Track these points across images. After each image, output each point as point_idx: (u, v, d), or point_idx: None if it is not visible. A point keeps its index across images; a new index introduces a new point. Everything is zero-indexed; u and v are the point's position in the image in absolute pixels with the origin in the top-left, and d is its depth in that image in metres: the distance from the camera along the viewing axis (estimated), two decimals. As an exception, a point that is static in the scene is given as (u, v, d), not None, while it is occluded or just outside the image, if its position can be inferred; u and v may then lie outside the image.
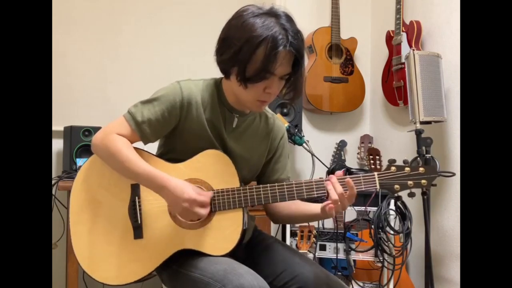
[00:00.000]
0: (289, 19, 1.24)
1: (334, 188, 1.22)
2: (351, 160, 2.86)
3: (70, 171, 2.15)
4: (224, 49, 1.26)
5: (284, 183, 1.30)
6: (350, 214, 2.23)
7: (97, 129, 2.20)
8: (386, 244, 2.10)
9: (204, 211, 1.26)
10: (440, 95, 2.15)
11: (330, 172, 2.48)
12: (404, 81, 2.43)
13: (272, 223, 2.36)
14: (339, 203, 1.22)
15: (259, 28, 1.19)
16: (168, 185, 1.25)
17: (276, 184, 1.31)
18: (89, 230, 1.34)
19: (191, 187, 1.26)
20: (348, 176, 1.26)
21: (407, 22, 2.51)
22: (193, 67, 2.59)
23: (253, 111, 1.36)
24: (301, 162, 2.85)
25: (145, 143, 1.36)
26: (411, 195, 1.29)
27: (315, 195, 1.27)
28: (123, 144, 1.29)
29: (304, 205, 1.40)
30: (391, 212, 2.10)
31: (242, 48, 1.20)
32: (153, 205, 1.32)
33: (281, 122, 1.52)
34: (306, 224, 2.05)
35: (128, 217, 1.33)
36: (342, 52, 2.80)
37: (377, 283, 2.23)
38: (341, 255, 2.20)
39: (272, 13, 1.23)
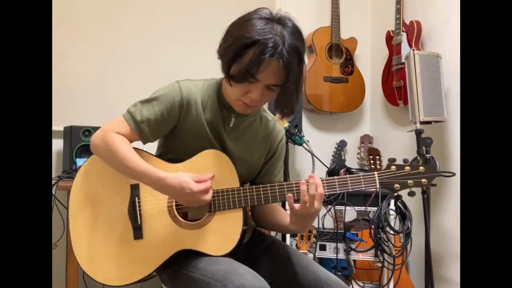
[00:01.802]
0: (294, 32, 1.22)
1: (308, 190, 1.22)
2: (351, 160, 2.86)
3: (70, 171, 2.15)
4: (222, 42, 1.26)
5: (284, 182, 1.30)
6: (350, 214, 2.23)
7: (97, 129, 2.16)
8: (386, 244, 2.10)
9: (209, 196, 1.26)
10: (440, 95, 2.15)
11: (330, 172, 2.48)
12: (404, 81, 2.43)
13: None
14: (307, 204, 1.22)
15: (255, 30, 1.18)
16: (167, 180, 1.24)
17: (276, 184, 1.31)
18: (89, 230, 1.34)
19: (189, 178, 1.25)
20: (336, 177, 1.26)
21: (407, 22, 2.51)
22: (193, 67, 2.58)
23: (238, 111, 1.35)
24: (301, 162, 2.86)
25: (144, 143, 1.36)
26: (411, 194, 1.29)
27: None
28: (121, 143, 1.29)
29: (285, 217, 1.40)
30: (391, 212, 2.10)
31: (232, 44, 1.20)
32: (152, 205, 1.32)
33: (281, 126, 1.51)
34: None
35: (128, 218, 1.33)
36: (342, 52, 2.80)
37: (377, 283, 2.23)
38: (341, 255, 2.20)
39: (279, 21, 1.21)
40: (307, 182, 1.24)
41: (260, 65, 1.17)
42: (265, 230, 1.54)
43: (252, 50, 1.17)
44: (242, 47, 1.18)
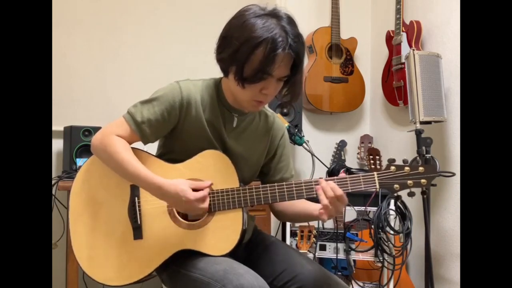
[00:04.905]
0: (291, 21, 1.23)
1: (324, 192, 1.21)
2: (351, 160, 2.86)
3: (70, 171, 2.15)
4: (223, 47, 1.26)
5: (284, 183, 1.30)
6: (350, 214, 2.23)
7: (97, 129, 2.20)
8: (386, 244, 2.10)
9: (205, 204, 1.26)
10: (440, 95, 2.15)
11: (330, 172, 2.48)
12: (404, 81, 2.43)
13: (271, 223, 2.37)
14: (331, 207, 1.20)
15: (260, 29, 1.19)
16: (164, 190, 1.25)
17: (275, 184, 1.30)
18: (89, 230, 1.34)
19: (186, 186, 1.25)
20: (335, 177, 1.25)
21: (407, 22, 2.51)
22: (193, 67, 2.58)
23: (250, 111, 1.36)
24: (301, 162, 2.86)
25: (145, 143, 1.36)
26: (411, 194, 1.29)
27: (315, 195, 1.26)
28: (121, 146, 1.29)
29: (308, 205, 1.39)
30: (391, 212, 2.10)
31: (241, 47, 1.20)
32: (152, 205, 1.32)
33: (281, 121, 1.52)
34: (306, 224, 2.05)
35: (127, 218, 1.33)
36: (342, 52, 2.80)
37: (377, 283, 2.23)
38: (341, 255, 2.20)
39: (273, 15, 1.22)
40: (316, 184, 1.24)
41: (275, 61, 1.19)
42: (266, 230, 1.54)
43: (262, 48, 1.18)
44: (252, 48, 1.18)
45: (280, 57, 1.19)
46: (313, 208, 1.35)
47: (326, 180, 1.23)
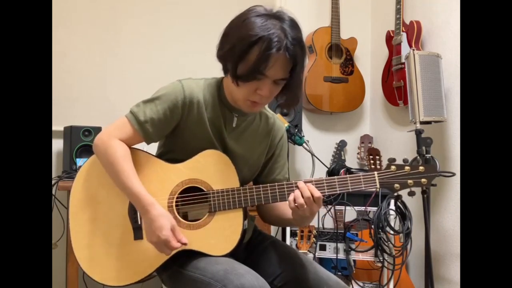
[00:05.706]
0: (293, 24, 1.22)
1: (302, 193, 1.23)
2: (351, 160, 2.86)
3: (70, 171, 2.15)
4: (223, 44, 1.26)
5: (284, 182, 1.30)
6: (350, 214, 2.23)
7: (97, 129, 2.20)
8: (386, 244, 2.10)
9: (167, 252, 1.25)
10: (440, 95, 2.15)
11: (330, 172, 2.48)
12: (404, 81, 2.43)
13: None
14: (305, 206, 1.22)
15: (257, 27, 1.18)
16: (150, 213, 1.23)
17: (276, 184, 1.30)
18: (89, 230, 1.34)
19: (169, 224, 1.23)
20: (313, 179, 1.27)
21: (407, 22, 2.52)
22: (193, 67, 2.58)
23: (246, 111, 1.35)
24: (301, 162, 2.86)
25: (148, 143, 1.35)
26: (411, 194, 1.29)
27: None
28: (122, 155, 1.28)
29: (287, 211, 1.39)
30: (391, 212, 2.10)
31: (237, 45, 1.20)
32: (153, 205, 1.32)
33: (281, 123, 1.51)
34: (306, 224, 2.05)
35: (128, 218, 1.33)
36: (342, 52, 2.80)
37: (377, 283, 2.23)
38: (341, 255, 2.20)
39: (276, 16, 1.22)
40: (296, 186, 1.26)
41: (268, 60, 1.18)
42: (266, 229, 1.54)
43: (257, 47, 1.18)
44: (247, 46, 1.18)
45: (274, 57, 1.18)
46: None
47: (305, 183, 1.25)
